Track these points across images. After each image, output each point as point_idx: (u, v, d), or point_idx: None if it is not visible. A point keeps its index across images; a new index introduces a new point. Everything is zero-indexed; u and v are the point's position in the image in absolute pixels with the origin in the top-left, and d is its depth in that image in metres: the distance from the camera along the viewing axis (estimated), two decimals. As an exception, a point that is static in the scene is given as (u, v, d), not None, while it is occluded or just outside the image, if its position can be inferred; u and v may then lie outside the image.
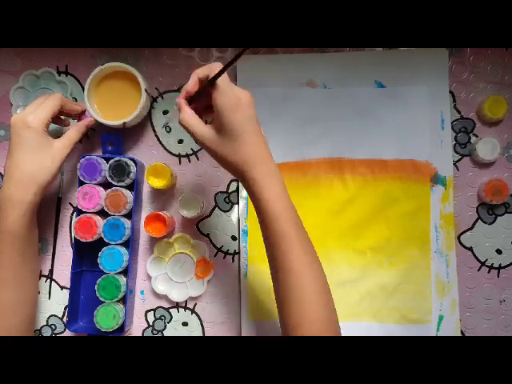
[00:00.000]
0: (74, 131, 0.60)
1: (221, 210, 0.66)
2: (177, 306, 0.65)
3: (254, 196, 0.47)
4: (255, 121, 0.47)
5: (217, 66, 0.47)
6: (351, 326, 0.62)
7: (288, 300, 0.46)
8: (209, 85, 0.46)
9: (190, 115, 0.49)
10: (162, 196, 0.66)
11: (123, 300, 0.63)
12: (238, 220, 0.65)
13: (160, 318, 0.65)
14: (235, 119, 0.46)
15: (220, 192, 0.66)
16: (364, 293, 0.62)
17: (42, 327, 0.67)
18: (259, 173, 0.46)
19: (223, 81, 0.46)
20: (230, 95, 0.46)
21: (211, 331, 0.65)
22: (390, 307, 0.62)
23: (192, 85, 0.48)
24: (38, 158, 0.55)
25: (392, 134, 0.63)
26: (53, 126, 0.67)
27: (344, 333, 0.62)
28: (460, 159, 0.63)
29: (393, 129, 0.63)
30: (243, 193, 0.65)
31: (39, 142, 0.55)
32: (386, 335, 0.61)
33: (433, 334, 0.61)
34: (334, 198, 0.63)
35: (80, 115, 0.63)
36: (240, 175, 0.48)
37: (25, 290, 0.58)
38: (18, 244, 0.55)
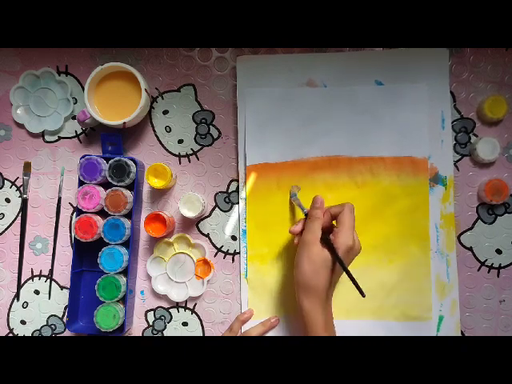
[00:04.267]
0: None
1: (221, 209, 0.66)
2: (177, 306, 0.65)
3: (305, 314, 0.53)
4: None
5: (349, 209, 0.55)
6: (351, 324, 0.62)
7: None
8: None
9: (320, 226, 0.55)
10: (162, 196, 0.66)
11: (123, 300, 0.63)
12: (238, 220, 0.65)
13: (160, 318, 0.65)
14: (344, 259, 0.53)
15: (220, 192, 0.66)
16: (364, 290, 0.62)
17: (42, 327, 0.67)
18: (319, 302, 0.53)
19: (349, 226, 0.54)
20: (349, 240, 0.53)
21: (211, 331, 0.65)
22: (390, 304, 0.62)
23: (325, 219, 0.56)
24: None
25: (391, 133, 0.63)
26: (52, 126, 0.67)
27: (344, 330, 0.62)
28: (460, 159, 0.63)
29: (392, 128, 0.63)
30: (243, 193, 0.65)
31: None
32: (387, 332, 0.61)
33: (433, 331, 0.61)
34: (332, 197, 0.63)
35: None
36: (303, 292, 0.54)
37: None
38: None
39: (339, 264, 0.52)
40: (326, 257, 0.53)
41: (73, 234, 0.67)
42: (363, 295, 0.51)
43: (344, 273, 0.53)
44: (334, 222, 0.58)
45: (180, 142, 0.67)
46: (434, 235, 0.62)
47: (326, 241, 0.53)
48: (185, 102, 0.66)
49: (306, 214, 0.57)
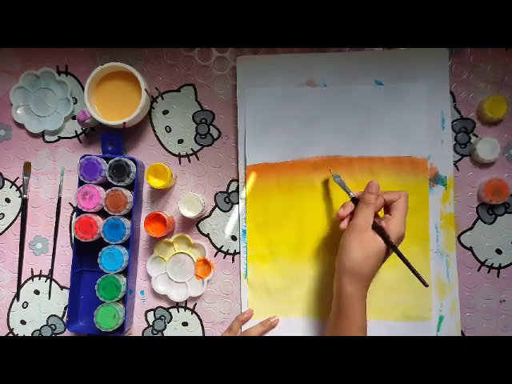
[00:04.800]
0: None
1: (221, 209, 0.66)
2: (177, 306, 0.65)
3: (344, 298, 0.53)
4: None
5: (405, 196, 0.55)
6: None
7: None
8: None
9: (373, 212, 0.54)
10: (162, 196, 0.66)
11: (123, 300, 0.63)
12: (238, 220, 0.65)
13: (160, 318, 0.65)
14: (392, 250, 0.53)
15: (220, 192, 0.66)
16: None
17: (42, 327, 0.67)
18: (361, 289, 0.53)
19: (402, 214, 0.53)
20: (401, 229, 0.53)
21: (211, 331, 0.65)
22: (390, 304, 0.62)
23: (378, 205, 0.54)
24: None
25: (391, 133, 0.63)
26: (52, 126, 0.67)
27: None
28: (460, 159, 0.63)
29: (392, 128, 0.63)
30: (243, 193, 0.65)
31: None
32: (387, 332, 0.61)
33: (433, 330, 0.61)
34: (332, 197, 0.63)
35: None
36: (348, 275, 0.53)
37: None
38: None
39: (396, 253, 0.52)
40: (379, 244, 0.52)
41: (73, 234, 0.67)
42: (426, 285, 0.52)
43: None
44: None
45: (180, 142, 0.67)
46: (434, 235, 0.62)
47: (379, 229, 0.52)
48: (185, 102, 0.66)
49: (354, 198, 0.56)
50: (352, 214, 0.55)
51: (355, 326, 0.52)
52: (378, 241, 0.52)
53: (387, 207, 0.55)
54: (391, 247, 0.52)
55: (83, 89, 0.64)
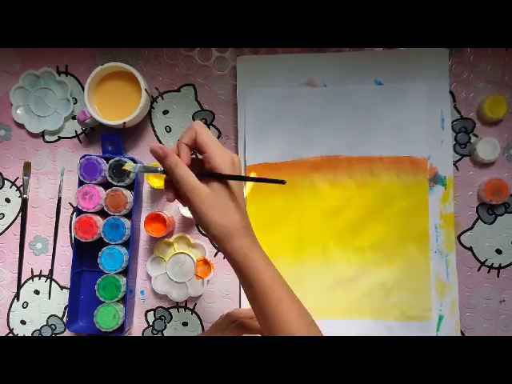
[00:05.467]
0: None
1: (221, 209, 0.66)
2: (177, 305, 0.65)
3: (241, 264, 0.45)
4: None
5: (199, 126, 0.44)
6: (351, 324, 0.62)
7: None
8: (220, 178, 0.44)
9: (186, 168, 0.44)
10: (162, 196, 0.66)
11: (123, 300, 0.63)
12: (238, 220, 0.65)
13: (160, 318, 0.65)
14: (231, 182, 0.44)
15: (220, 192, 0.66)
16: (363, 290, 0.62)
17: (42, 327, 0.67)
18: (247, 242, 0.45)
19: (214, 142, 0.43)
20: (226, 155, 0.43)
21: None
22: (390, 304, 0.62)
23: (186, 157, 0.44)
24: None
25: (391, 133, 0.63)
26: (52, 126, 0.67)
27: (344, 330, 0.62)
28: (460, 159, 0.63)
29: (392, 127, 0.63)
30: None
31: None
32: (387, 332, 0.61)
33: (433, 330, 0.61)
34: (332, 197, 0.63)
35: None
36: (225, 242, 0.44)
37: None
38: None
39: (237, 179, 0.44)
40: (220, 190, 0.43)
41: (73, 234, 0.67)
42: (283, 182, 0.42)
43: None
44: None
45: (180, 142, 0.66)
46: (434, 235, 0.62)
47: (206, 174, 0.43)
48: (185, 102, 0.66)
49: (163, 171, 0.46)
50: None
51: (281, 304, 0.44)
52: (216, 188, 0.43)
53: (198, 148, 0.45)
54: (231, 177, 0.43)
55: (83, 89, 0.64)
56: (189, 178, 0.43)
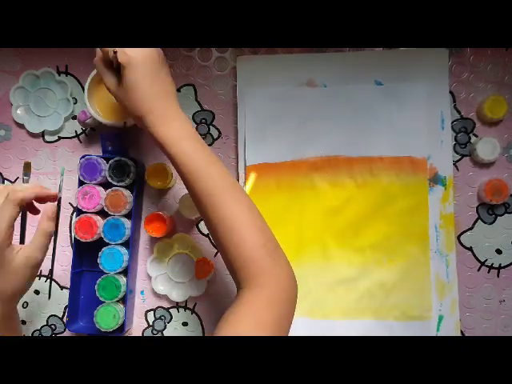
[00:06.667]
0: (41, 233, 0.50)
1: (221, 209, 0.66)
2: (177, 305, 0.65)
3: (156, 140, 0.48)
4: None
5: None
6: (351, 324, 0.62)
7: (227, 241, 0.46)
8: None
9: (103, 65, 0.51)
10: (162, 196, 0.66)
11: (123, 300, 0.63)
12: (238, 220, 0.65)
13: (160, 318, 0.65)
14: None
15: (220, 192, 0.66)
16: (364, 290, 0.62)
17: (42, 327, 0.67)
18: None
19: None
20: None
21: (211, 331, 0.65)
22: (390, 304, 0.62)
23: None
24: (1, 274, 0.48)
25: (391, 133, 0.63)
26: (52, 126, 0.67)
27: (344, 331, 0.62)
28: (460, 159, 0.63)
29: (392, 128, 0.63)
30: (243, 193, 0.65)
31: (1, 259, 0.48)
32: (387, 332, 0.61)
33: (433, 330, 0.61)
34: (332, 197, 0.63)
35: (54, 199, 0.54)
36: (140, 120, 0.49)
37: None
38: None
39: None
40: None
41: (73, 234, 0.67)
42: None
43: None
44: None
45: (180, 142, 0.66)
46: (434, 235, 0.62)
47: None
48: (185, 102, 0.66)
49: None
50: None
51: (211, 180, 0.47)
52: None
53: None
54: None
55: (83, 89, 0.64)
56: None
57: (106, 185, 0.63)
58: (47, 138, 0.68)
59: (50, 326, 0.67)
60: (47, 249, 0.51)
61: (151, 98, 0.48)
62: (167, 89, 0.50)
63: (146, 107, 0.48)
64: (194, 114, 0.66)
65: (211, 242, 0.65)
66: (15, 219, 0.49)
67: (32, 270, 0.50)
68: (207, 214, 0.47)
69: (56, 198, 0.53)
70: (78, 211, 0.63)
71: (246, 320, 0.43)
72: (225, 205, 0.46)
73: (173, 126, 0.48)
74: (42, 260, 0.50)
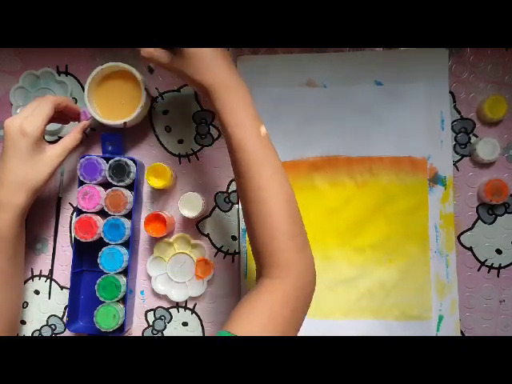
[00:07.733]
0: (69, 139, 0.61)
1: (221, 209, 0.66)
2: (177, 306, 0.65)
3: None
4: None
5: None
6: (351, 324, 0.62)
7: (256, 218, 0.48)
8: None
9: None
10: (162, 196, 0.66)
11: (123, 300, 0.63)
12: (238, 220, 0.65)
13: (160, 318, 0.65)
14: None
15: (220, 192, 0.66)
16: (364, 290, 0.62)
17: (42, 327, 0.67)
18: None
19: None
20: None
21: (211, 331, 0.65)
22: (390, 304, 0.62)
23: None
24: (32, 164, 0.56)
25: (391, 133, 0.63)
26: (52, 126, 0.67)
27: (344, 331, 0.62)
28: (460, 159, 0.63)
29: (392, 128, 0.63)
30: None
31: (34, 150, 0.56)
32: (387, 332, 0.62)
33: (433, 330, 0.61)
34: (332, 197, 0.64)
35: (78, 116, 0.63)
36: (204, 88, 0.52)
37: (11, 294, 0.59)
38: (6, 247, 0.56)
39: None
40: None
41: (73, 234, 0.67)
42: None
43: None
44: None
45: (180, 142, 0.67)
46: (434, 235, 0.62)
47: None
48: (185, 102, 0.66)
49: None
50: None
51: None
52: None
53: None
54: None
55: (83, 89, 0.64)
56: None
57: (105, 185, 0.63)
58: (47, 138, 0.68)
59: (49, 326, 0.67)
60: (70, 152, 0.61)
61: (215, 67, 0.52)
62: (226, 56, 0.54)
63: (212, 76, 0.51)
64: (194, 114, 0.66)
65: (211, 242, 0.65)
66: (49, 117, 0.57)
67: (55, 165, 0.58)
68: (246, 191, 0.49)
69: (79, 117, 0.63)
70: (78, 211, 0.63)
71: (262, 310, 0.44)
72: (268, 189, 0.48)
73: (234, 94, 0.52)
74: (63, 159, 0.60)
